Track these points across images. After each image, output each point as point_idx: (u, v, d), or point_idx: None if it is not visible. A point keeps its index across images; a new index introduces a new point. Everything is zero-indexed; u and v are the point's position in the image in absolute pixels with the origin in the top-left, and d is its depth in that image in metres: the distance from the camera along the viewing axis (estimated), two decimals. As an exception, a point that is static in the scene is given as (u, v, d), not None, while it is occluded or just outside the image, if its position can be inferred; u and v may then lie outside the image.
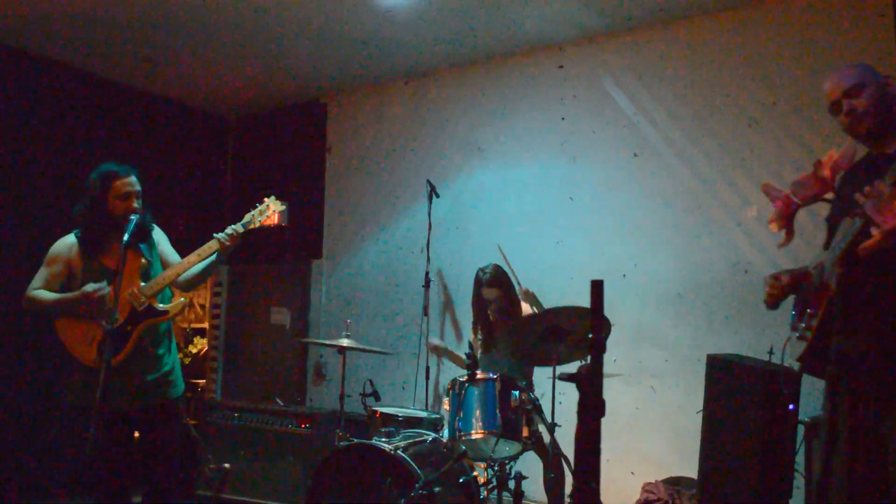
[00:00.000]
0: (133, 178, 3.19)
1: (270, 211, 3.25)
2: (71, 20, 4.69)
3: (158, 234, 3.36)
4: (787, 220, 1.63)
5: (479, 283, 4.14)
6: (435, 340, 4.76)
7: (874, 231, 1.49)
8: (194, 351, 7.32)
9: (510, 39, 4.96)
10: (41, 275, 3.17)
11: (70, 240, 3.22)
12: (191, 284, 3.33)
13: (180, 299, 3.27)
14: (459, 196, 5.31)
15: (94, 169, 3.22)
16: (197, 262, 3.19)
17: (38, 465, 4.87)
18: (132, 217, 3.06)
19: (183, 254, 3.30)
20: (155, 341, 3.21)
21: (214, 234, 3.16)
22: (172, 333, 3.36)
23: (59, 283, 3.15)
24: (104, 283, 3.04)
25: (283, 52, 5.23)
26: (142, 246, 3.19)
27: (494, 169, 5.21)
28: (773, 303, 2.20)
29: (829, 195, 1.57)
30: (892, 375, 1.89)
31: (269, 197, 3.27)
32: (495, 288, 4.08)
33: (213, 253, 3.18)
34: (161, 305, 3.18)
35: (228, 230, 3.15)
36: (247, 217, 3.24)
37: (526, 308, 4.15)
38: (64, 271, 3.16)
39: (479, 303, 4.16)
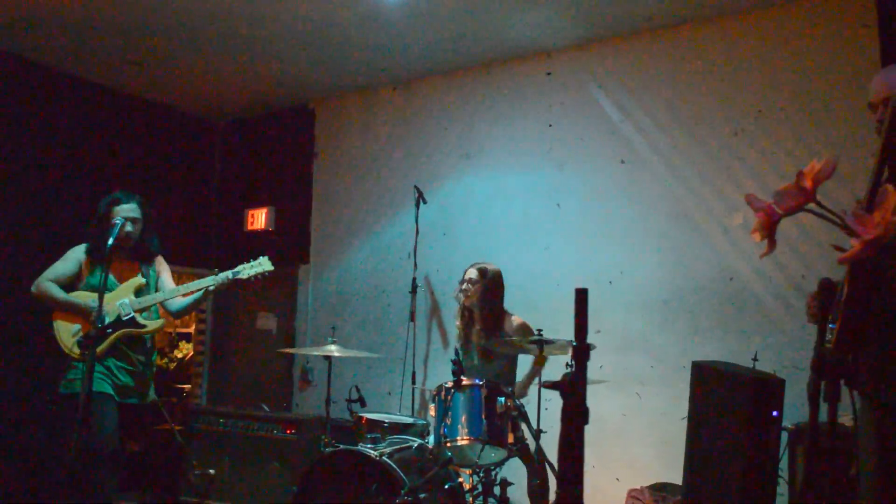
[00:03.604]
0: (129, 206, 3.55)
1: (261, 269, 3.66)
2: (60, 24, 4.66)
3: (162, 265, 3.78)
4: (769, 230, 1.65)
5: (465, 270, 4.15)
6: None
7: (853, 241, 1.52)
8: (180, 356, 7.26)
9: (498, 46, 4.98)
10: (56, 268, 3.54)
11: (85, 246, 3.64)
12: (179, 314, 3.79)
13: (160, 320, 3.65)
14: (447, 202, 5.32)
15: (99, 184, 3.67)
16: (183, 296, 3.61)
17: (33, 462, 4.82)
18: (116, 221, 3.37)
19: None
20: (139, 349, 3.59)
21: (209, 278, 3.55)
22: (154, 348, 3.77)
23: (68, 280, 3.53)
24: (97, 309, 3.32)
25: (271, 57, 5.22)
26: (144, 266, 3.64)
27: (482, 175, 5.22)
28: (812, 322, 2.29)
29: (811, 206, 1.59)
30: (884, 383, 1.92)
31: (264, 256, 3.70)
32: (475, 269, 4.08)
33: (202, 291, 3.58)
34: (141, 319, 3.53)
35: (221, 276, 3.56)
36: (238, 267, 3.63)
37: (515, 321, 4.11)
38: (76, 271, 3.56)
39: (459, 287, 4.13)
